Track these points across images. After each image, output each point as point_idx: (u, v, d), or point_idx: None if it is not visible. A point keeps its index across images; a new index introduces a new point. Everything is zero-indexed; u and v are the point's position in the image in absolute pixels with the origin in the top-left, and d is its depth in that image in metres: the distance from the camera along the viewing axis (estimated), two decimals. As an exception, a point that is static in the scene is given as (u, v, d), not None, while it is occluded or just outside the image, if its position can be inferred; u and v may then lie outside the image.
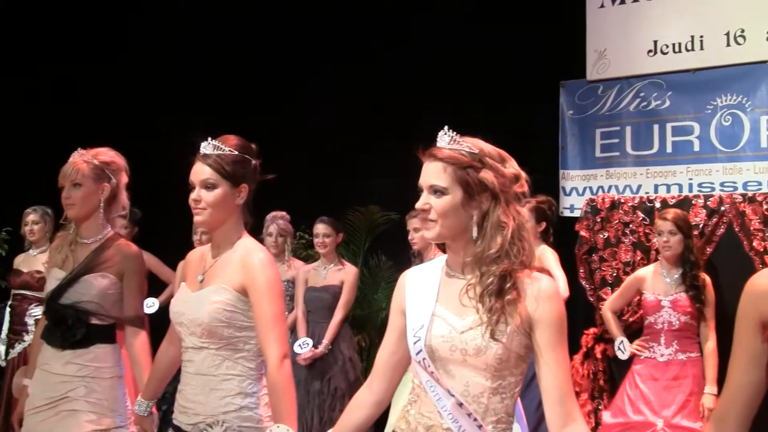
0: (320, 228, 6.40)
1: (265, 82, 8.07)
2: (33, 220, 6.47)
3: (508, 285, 2.28)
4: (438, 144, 2.38)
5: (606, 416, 5.19)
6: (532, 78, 7.18)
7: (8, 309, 6.55)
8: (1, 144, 7.71)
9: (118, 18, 8.04)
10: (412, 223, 5.84)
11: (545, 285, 2.31)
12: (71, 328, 3.55)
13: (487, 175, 2.31)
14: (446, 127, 2.39)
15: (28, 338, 6.36)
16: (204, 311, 2.88)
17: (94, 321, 3.58)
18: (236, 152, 2.98)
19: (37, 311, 6.33)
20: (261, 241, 5.86)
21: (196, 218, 3.00)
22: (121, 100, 7.97)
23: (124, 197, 3.76)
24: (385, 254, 8.13)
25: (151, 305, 6.26)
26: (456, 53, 7.44)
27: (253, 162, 3.04)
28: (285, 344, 2.85)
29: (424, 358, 2.34)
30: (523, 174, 2.41)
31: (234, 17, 8.13)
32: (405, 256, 7.12)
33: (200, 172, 2.96)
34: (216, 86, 8.02)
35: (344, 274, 6.41)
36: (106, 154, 3.73)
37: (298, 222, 6.89)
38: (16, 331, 6.43)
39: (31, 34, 7.94)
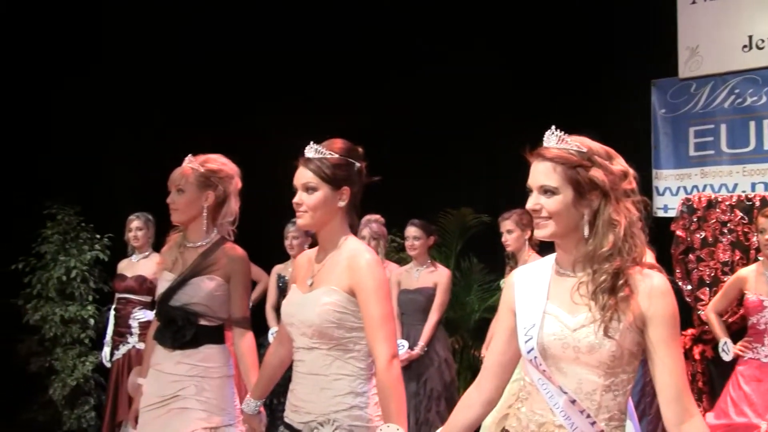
0: (411, 231, 6.42)
1: (361, 82, 8.18)
2: (137, 226, 6.65)
3: (621, 282, 2.29)
4: (545, 144, 2.39)
5: (709, 417, 5.12)
6: (623, 77, 7.21)
7: (113, 312, 6.79)
8: (99, 153, 7.98)
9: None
10: (505, 225, 5.82)
11: (657, 281, 2.32)
12: (181, 329, 3.64)
13: (596, 174, 2.32)
14: (553, 127, 2.40)
15: (132, 340, 6.56)
16: (314, 313, 2.95)
17: (203, 322, 3.67)
18: (338, 156, 3.04)
19: (140, 314, 6.54)
20: None
21: (298, 221, 3.08)
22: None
23: (233, 204, 3.82)
24: (477, 257, 8.19)
25: None
26: (547, 53, 7.45)
27: (357, 165, 3.07)
28: (394, 344, 2.89)
29: (535, 357, 2.36)
30: (631, 171, 2.42)
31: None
32: (497, 258, 7.16)
33: (302, 175, 3.03)
34: (314, 85, 8.18)
35: (437, 276, 6.42)
36: (216, 161, 3.80)
37: (391, 225, 6.96)
38: (121, 333, 6.62)
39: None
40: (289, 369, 3.41)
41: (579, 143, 2.37)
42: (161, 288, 3.77)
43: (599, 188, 2.33)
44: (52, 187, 7.59)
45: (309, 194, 3.01)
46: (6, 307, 7.33)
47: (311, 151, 3.03)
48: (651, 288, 2.31)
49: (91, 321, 7.32)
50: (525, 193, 2.45)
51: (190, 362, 3.64)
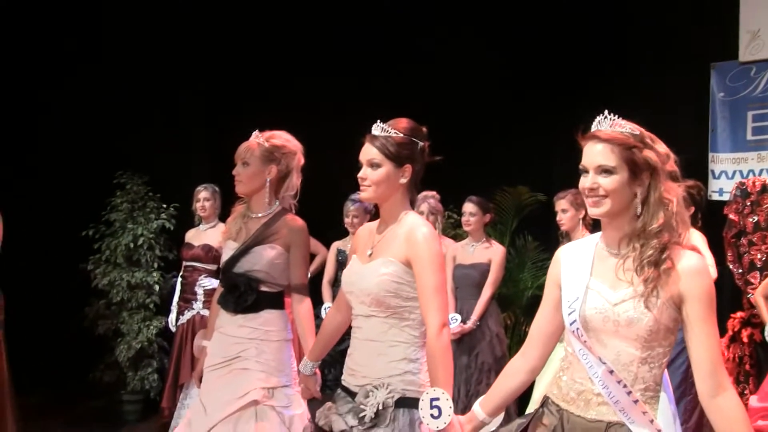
0: (468, 207, 6.55)
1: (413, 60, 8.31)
2: (205, 197, 6.88)
3: (665, 256, 2.42)
4: (599, 127, 2.52)
5: (753, 400, 5.15)
6: (683, 59, 7.22)
7: (180, 279, 7.05)
8: (167, 126, 8.24)
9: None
10: (560, 204, 5.89)
11: (695, 261, 2.45)
12: (243, 294, 3.87)
13: (650, 154, 2.46)
14: (606, 111, 2.53)
15: (196, 306, 6.81)
16: (373, 282, 3.12)
17: (264, 288, 3.89)
18: (402, 135, 3.19)
19: (206, 282, 6.78)
20: None
21: (362, 194, 3.25)
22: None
23: (295, 179, 4.01)
24: (531, 235, 8.26)
25: None
26: (606, 33, 7.49)
27: (420, 144, 3.22)
28: (445, 314, 3.05)
29: (578, 328, 2.51)
30: (672, 155, 2.54)
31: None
32: (551, 237, 7.24)
33: (367, 152, 3.20)
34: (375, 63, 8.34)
35: (492, 253, 6.55)
36: (281, 137, 4.00)
37: (447, 201, 7.07)
38: (187, 299, 6.88)
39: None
40: (340, 342, 3.62)
41: (632, 125, 2.50)
42: (225, 256, 3.99)
43: (651, 168, 2.46)
44: (122, 157, 7.81)
45: (373, 170, 3.18)
46: (76, 272, 7.60)
47: (377, 128, 3.20)
48: (689, 267, 2.44)
49: (156, 287, 7.54)
50: (577, 173, 2.59)
51: (251, 326, 3.87)
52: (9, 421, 5.40)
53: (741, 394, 5.56)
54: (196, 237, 6.95)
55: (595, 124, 2.53)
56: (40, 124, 8.06)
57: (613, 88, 7.24)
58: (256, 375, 3.81)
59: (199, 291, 6.82)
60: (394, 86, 7.88)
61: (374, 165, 3.19)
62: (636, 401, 2.44)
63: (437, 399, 2.83)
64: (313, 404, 3.69)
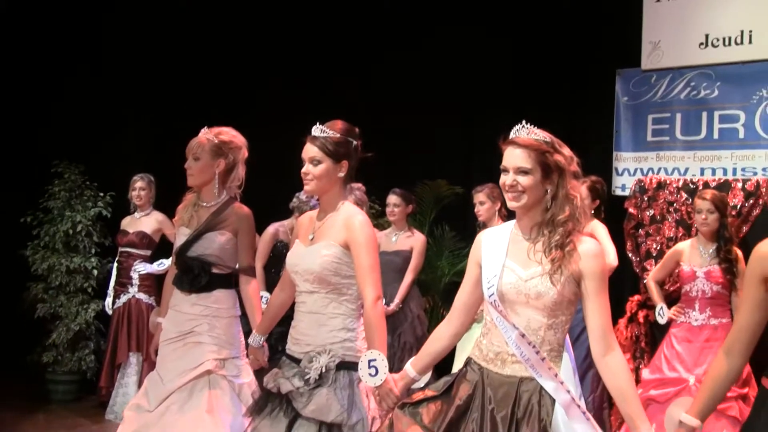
0: (392, 199, 7.01)
1: (349, 61, 8.70)
2: (140, 186, 7.23)
3: (569, 241, 2.95)
4: (519, 134, 3.03)
5: (645, 373, 5.72)
6: (592, 66, 7.75)
7: (115, 265, 7.36)
8: (103, 117, 8.46)
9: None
10: (478, 197, 6.38)
11: (593, 246, 3.00)
12: (197, 276, 4.27)
13: (558, 158, 2.99)
14: (524, 121, 3.05)
15: (132, 290, 7.18)
16: (316, 263, 3.59)
17: (215, 270, 4.30)
18: (339, 135, 3.67)
19: (140, 267, 7.14)
20: None
21: (306, 187, 3.71)
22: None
23: (240, 171, 4.41)
24: (449, 225, 8.67)
25: (159, 264, 7.09)
26: (526, 43, 7.99)
27: (354, 143, 3.71)
28: (379, 289, 3.55)
29: (495, 300, 3.02)
30: (575, 157, 3.07)
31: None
32: (467, 227, 7.74)
33: (309, 150, 3.67)
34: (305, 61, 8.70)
35: (414, 241, 7.02)
36: (228, 133, 4.40)
37: (371, 193, 7.47)
38: (122, 283, 7.22)
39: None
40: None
41: (544, 133, 3.03)
42: (179, 241, 4.37)
43: (560, 169, 2.98)
44: (60, 147, 8.00)
45: (314, 166, 3.65)
46: (15, 257, 7.80)
47: (317, 130, 3.67)
48: (587, 250, 2.98)
49: (95, 272, 7.78)
50: (495, 168, 3.09)
51: (204, 304, 4.27)
52: None
53: (637, 369, 6.13)
54: (132, 224, 7.29)
55: (513, 131, 3.05)
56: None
57: (527, 89, 7.78)
58: (208, 348, 4.20)
59: (134, 275, 7.19)
60: (325, 91, 8.32)
61: (315, 162, 3.65)
62: (543, 359, 2.96)
63: (374, 360, 3.33)
64: (261, 373, 4.12)
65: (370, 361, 3.33)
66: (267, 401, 3.71)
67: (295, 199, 6.53)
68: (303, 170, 3.68)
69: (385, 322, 3.55)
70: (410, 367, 3.36)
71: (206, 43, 8.63)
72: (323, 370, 3.54)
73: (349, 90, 8.39)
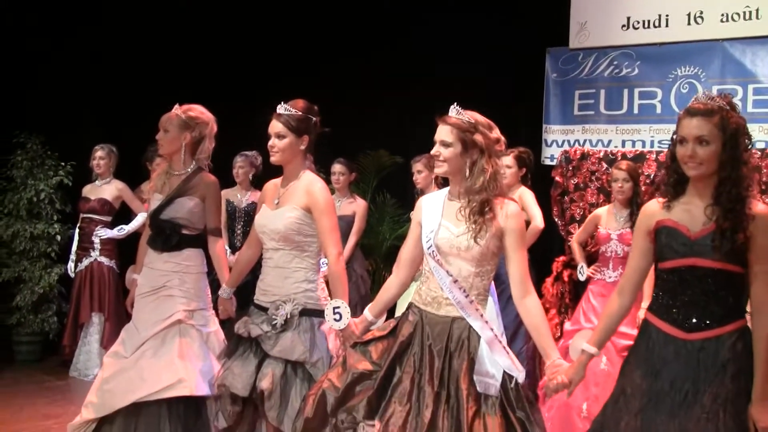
0: (337, 167, 7.47)
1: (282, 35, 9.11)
2: (100, 155, 7.63)
3: (487, 208, 3.53)
4: (449, 113, 3.60)
5: (566, 325, 6.25)
6: (525, 45, 8.25)
7: (77, 230, 7.76)
8: (65, 90, 8.73)
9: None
10: (417, 166, 6.81)
11: (512, 207, 3.59)
12: (169, 236, 4.74)
13: (478, 138, 3.55)
14: (455, 104, 3.62)
15: (94, 254, 7.60)
16: (281, 224, 4.13)
17: (185, 231, 4.76)
18: (301, 112, 4.19)
19: (102, 232, 7.57)
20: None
21: (272, 158, 4.24)
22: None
23: (208, 145, 4.85)
24: (389, 192, 9.22)
25: (120, 229, 7.55)
26: (461, 23, 8.48)
27: (314, 119, 4.24)
28: (340, 246, 4.13)
29: (432, 251, 3.60)
30: (502, 138, 3.65)
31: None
32: (407, 194, 8.24)
33: (274, 126, 4.19)
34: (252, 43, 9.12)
35: (356, 207, 7.51)
36: (196, 110, 4.83)
37: (315, 162, 7.92)
38: (84, 248, 7.63)
39: None
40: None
41: (470, 116, 3.60)
42: (153, 206, 4.81)
43: (478, 147, 3.55)
44: (21, 118, 8.30)
45: (279, 140, 4.18)
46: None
47: (282, 108, 4.19)
48: (509, 211, 3.57)
49: (57, 237, 8.13)
50: (432, 140, 3.65)
51: (175, 261, 4.73)
52: None
53: (562, 323, 6.72)
54: (92, 191, 7.69)
55: (449, 111, 3.60)
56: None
57: (466, 65, 8.29)
58: (179, 300, 4.68)
59: (96, 240, 7.61)
60: (277, 71, 8.78)
61: (280, 136, 4.18)
62: (472, 302, 3.55)
63: (338, 307, 3.89)
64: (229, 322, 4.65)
65: (335, 308, 3.88)
66: (238, 345, 4.25)
67: None
68: (269, 143, 4.20)
69: (346, 275, 4.12)
70: (368, 313, 3.92)
71: (172, 17, 8.91)
72: (288, 317, 4.09)
73: (298, 67, 8.82)
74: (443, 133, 3.60)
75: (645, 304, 5.51)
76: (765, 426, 3.03)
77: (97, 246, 7.61)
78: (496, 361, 3.47)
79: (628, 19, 8.06)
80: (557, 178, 7.26)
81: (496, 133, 3.64)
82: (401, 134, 8.99)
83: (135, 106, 8.20)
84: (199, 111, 4.88)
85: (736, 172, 3.12)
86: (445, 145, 3.58)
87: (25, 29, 8.61)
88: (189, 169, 4.86)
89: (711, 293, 3.17)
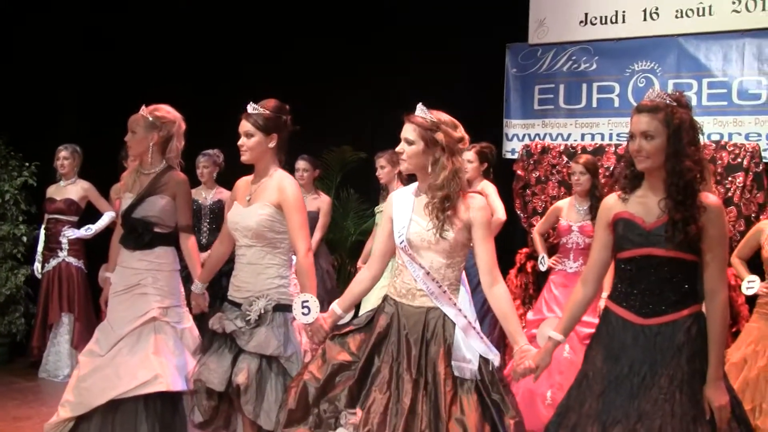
0: (300, 164, 7.54)
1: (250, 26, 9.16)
2: (64, 156, 7.64)
3: (448, 204, 3.67)
4: (416, 112, 3.74)
5: (529, 315, 6.42)
6: (485, 41, 8.38)
7: (43, 231, 7.77)
8: (24, 91, 8.64)
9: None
10: (380, 161, 6.95)
11: (478, 200, 3.75)
12: (141, 235, 4.78)
13: (438, 136, 3.69)
14: (420, 104, 3.75)
15: (62, 254, 7.61)
16: (253, 221, 4.21)
17: (157, 230, 4.80)
18: (269, 111, 4.28)
19: (69, 232, 7.58)
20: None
21: (242, 157, 4.32)
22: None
23: (175, 144, 4.89)
24: (353, 188, 9.32)
25: (87, 229, 7.58)
26: (423, 18, 8.58)
27: (284, 118, 4.33)
28: (309, 242, 4.21)
29: (405, 245, 3.74)
30: (466, 136, 3.79)
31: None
32: (371, 190, 8.33)
33: (243, 125, 4.27)
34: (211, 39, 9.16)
35: (320, 203, 7.62)
36: (162, 110, 4.88)
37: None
38: (51, 248, 7.64)
39: None
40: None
41: (434, 116, 3.73)
42: (124, 204, 4.85)
43: (440, 145, 3.69)
44: None
45: (248, 138, 4.26)
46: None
47: (251, 108, 4.28)
48: (475, 205, 3.73)
49: (23, 239, 8.11)
50: (397, 136, 3.77)
51: (148, 259, 4.78)
52: None
53: (526, 313, 6.87)
54: (58, 192, 7.69)
55: (416, 109, 3.73)
56: None
57: (429, 63, 8.35)
58: (153, 298, 4.74)
59: (64, 240, 7.62)
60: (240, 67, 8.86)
61: (249, 135, 4.28)
62: (444, 291, 3.69)
63: (307, 302, 3.97)
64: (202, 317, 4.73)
65: (303, 302, 3.97)
66: (213, 340, 4.33)
67: None
68: (239, 142, 4.29)
69: (314, 270, 4.22)
70: (336, 306, 4.03)
71: (137, 12, 8.93)
72: (262, 312, 4.18)
73: (263, 64, 8.89)
74: (407, 131, 3.74)
75: (605, 294, 5.70)
76: (719, 405, 3.21)
77: (65, 246, 7.63)
78: (472, 346, 3.63)
79: (586, 15, 8.22)
80: (519, 172, 7.43)
81: (460, 131, 3.78)
82: (364, 130, 9.09)
83: (100, 105, 8.24)
84: (165, 111, 4.93)
85: (680, 165, 3.28)
86: (409, 142, 3.73)
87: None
88: (158, 168, 4.90)
89: (666, 280, 3.35)
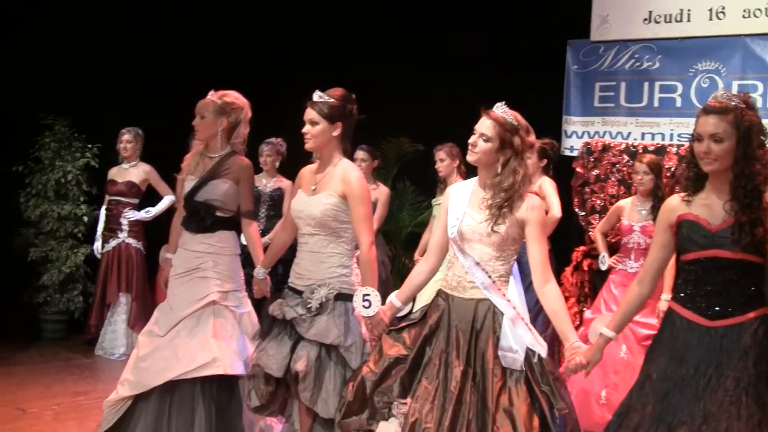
0: (359, 154, 7.50)
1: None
2: (127, 139, 7.78)
3: (506, 204, 3.69)
4: (494, 108, 3.76)
5: (587, 314, 6.39)
6: (546, 37, 8.35)
7: (103, 212, 7.92)
8: (91, 72, 8.90)
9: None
10: (439, 154, 6.94)
11: (534, 200, 3.78)
12: (203, 218, 4.82)
13: (516, 140, 3.72)
14: (503, 102, 3.77)
15: (122, 235, 7.75)
16: (317, 210, 4.23)
17: (219, 213, 4.83)
18: (334, 100, 4.29)
19: (130, 214, 7.73)
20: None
21: (306, 145, 4.34)
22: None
23: (243, 129, 4.94)
24: (409, 180, 9.33)
25: (147, 211, 7.73)
26: (484, 14, 8.61)
27: (349, 107, 4.34)
28: (372, 235, 4.23)
29: (456, 237, 3.78)
30: (537, 143, 3.79)
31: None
32: (426, 182, 8.32)
33: (308, 113, 4.28)
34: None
35: (378, 193, 7.57)
36: (231, 95, 4.92)
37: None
38: (111, 229, 7.79)
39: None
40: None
41: (513, 116, 3.75)
42: (187, 187, 4.88)
43: (513, 148, 3.71)
44: (48, 100, 8.39)
45: (312, 126, 4.27)
46: (7, 204, 8.30)
47: (317, 96, 4.29)
48: (530, 204, 3.74)
49: (84, 218, 8.28)
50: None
51: (209, 243, 4.81)
52: None
53: (581, 312, 6.85)
54: (120, 174, 7.84)
55: (495, 106, 3.75)
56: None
57: (487, 55, 8.39)
58: (213, 281, 4.76)
59: (124, 222, 7.77)
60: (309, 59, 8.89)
61: (313, 123, 4.28)
62: (494, 282, 3.71)
63: (368, 295, 3.98)
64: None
65: (364, 296, 3.98)
66: (272, 326, 4.36)
67: None
68: (303, 130, 4.30)
69: (376, 263, 4.23)
70: (395, 299, 4.06)
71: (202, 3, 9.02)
72: (323, 301, 4.18)
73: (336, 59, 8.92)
74: (485, 126, 3.74)
75: (665, 296, 5.67)
76: None
77: (125, 228, 7.76)
78: (520, 337, 3.64)
79: (650, 13, 8.14)
80: (578, 169, 7.38)
81: (532, 137, 3.81)
82: (422, 122, 9.06)
83: (160, 88, 8.33)
84: (234, 96, 4.95)
85: (750, 168, 3.25)
86: (485, 138, 3.72)
87: (53, 12, 8.69)
88: (223, 152, 4.93)
89: (732, 282, 3.32)
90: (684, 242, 3.43)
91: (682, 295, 3.47)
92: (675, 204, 3.50)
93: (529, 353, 3.63)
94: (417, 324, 3.88)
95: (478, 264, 3.72)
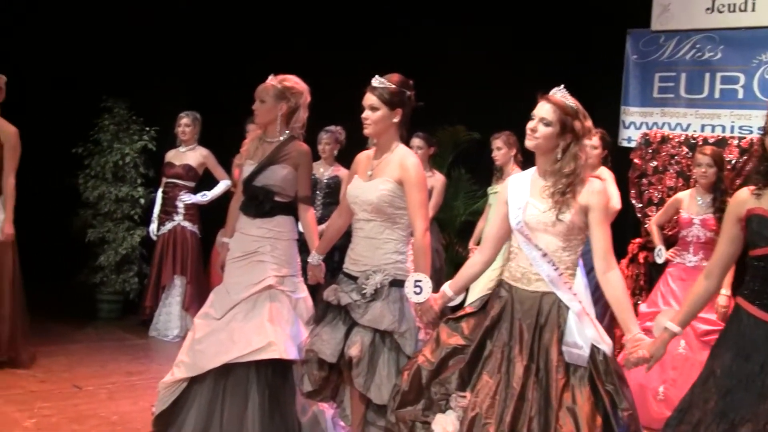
0: (416, 141, 7.45)
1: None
2: (185, 123, 7.84)
3: (569, 190, 3.61)
4: (553, 93, 3.68)
5: (642, 307, 6.29)
6: (605, 26, 8.22)
7: (160, 194, 8.00)
8: (151, 55, 8.99)
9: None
10: (496, 143, 6.88)
11: (598, 185, 3.68)
12: (261, 202, 4.83)
13: (576, 123, 3.64)
14: (563, 86, 3.70)
15: (177, 218, 7.84)
16: (374, 196, 4.22)
17: (277, 198, 4.84)
18: (394, 86, 4.27)
19: (186, 197, 7.80)
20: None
21: (365, 130, 4.32)
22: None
23: (302, 114, 4.93)
24: (465, 168, 9.27)
25: (203, 195, 7.80)
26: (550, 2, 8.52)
27: (408, 93, 4.31)
28: (427, 221, 4.19)
29: (522, 227, 3.70)
30: (594, 130, 3.72)
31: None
32: (481, 170, 8.27)
33: (368, 98, 4.26)
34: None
35: (434, 181, 7.52)
36: (291, 80, 4.92)
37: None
38: (167, 212, 7.87)
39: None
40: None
41: (574, 101, 3.67)
42: (246, 172, 4.91)
43: (574, 132, 3.63)
44: (108, 83, 8.51)
45: (372, 112, 4.25)
46: (66, 185, 8.44)
47: (376, 81, 4.27)
48: (593, 189, 3.66)
49: (141, 201, 8.41)
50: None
51: (267, 227, 4.82)
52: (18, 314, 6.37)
53: (636, 304, 6.74)
54: (177, 157, 7.90)
55: (552, 91, 3.68)
56: (30, 53, 8.70)
57: (544, 42, 8.30)
58: (270, 266, 4.78)
59: (180, 205, 7.84)
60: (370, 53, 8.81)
61: (373, 108, 4.26)
62: (561, 275, 3.64)
63: (420, 281, 3.98)
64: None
65: (416, 282, 3.98)
66: (327, 312, 4.36)
67: None
68: (363, 115, 4.28)
69: (430, 250, 4.21)
70: (448, 288, 4.03)
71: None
72: (378, 286, 4.17)
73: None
74: (544, 110, 3.66)
75: (725, 291, 5.58)
76: None
77: (181, 211, 7.84)
78: (585, 333, 3.57)
79: (713, 2, 7.94)
80: (636, 161, 7.29)
81: (589, 122, 3.72)
82: (478, 110, 9.00)
83: (218, 72, 8.38)
84: (294, 81, 4.95)
85: None
86: (545, 123, 3.65)
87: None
88: (282, 137, 4.93)
89: None
90: (753, 237, 3.37)
91: (749, 291, 3.42)
92: (744, 197, 3.44)
93: (594, 350, 3.55)
94: (476, 314, 3.83)
95: (545, 255, 3.65)
